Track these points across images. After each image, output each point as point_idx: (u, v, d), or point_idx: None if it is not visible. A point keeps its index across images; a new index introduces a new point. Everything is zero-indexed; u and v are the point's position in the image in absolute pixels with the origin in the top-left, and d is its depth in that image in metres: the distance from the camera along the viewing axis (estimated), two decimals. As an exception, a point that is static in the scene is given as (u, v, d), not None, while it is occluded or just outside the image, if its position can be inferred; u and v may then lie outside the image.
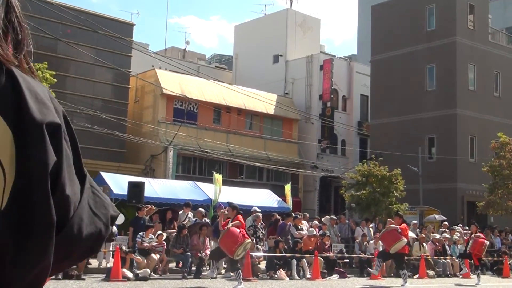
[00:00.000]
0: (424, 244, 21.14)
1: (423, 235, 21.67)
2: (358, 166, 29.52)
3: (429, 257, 20.64)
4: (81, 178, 1.09)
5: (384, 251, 16.57)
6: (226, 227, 13.00)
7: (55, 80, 20.80)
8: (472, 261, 18.18)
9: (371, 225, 23.29)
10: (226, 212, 14.95)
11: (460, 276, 19.25)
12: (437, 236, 22.12)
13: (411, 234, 21.89)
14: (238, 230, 12.83)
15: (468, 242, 18.20)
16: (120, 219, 16.95)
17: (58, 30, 28.41)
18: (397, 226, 15.65)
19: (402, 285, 15.51)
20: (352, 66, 43.23)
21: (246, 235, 13.18)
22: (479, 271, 17.96)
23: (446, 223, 24.58)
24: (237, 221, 13.12)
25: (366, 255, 19.99)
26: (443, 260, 20.95)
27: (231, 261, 13.33)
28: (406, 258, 16.99)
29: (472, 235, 18.18)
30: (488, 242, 18.72)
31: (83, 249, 1.07)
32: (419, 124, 35.44)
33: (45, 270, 0.98)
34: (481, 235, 18.42)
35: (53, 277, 13.60)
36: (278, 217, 20.21)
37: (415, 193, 31.12)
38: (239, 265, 13.86)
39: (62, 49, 29.45)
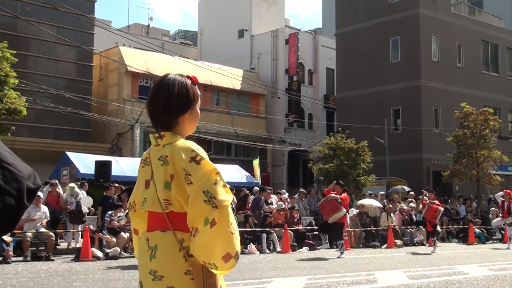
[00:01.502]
0: (392, 214, 21.49)
1: (390, 206, 22.02)
2: (325, 139, 29.70)
3: (396, 227, 20.99)
4: None
5: (323, 223, 16.30)
6: None
7: (16, 59, 20.33)
8: (426, 228, 18.47)
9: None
10: None
11: (427, 245, 19.62)
12: (404, 206, 22.50)
13: (378, 204, 22.26)
14: None
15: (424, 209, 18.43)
16: (88, 202, 16.84)
17: (17, 7, 27.72)
18: (337, 196, 15.35)
19: (338, 257, 15.05)
20: (317, 39, 43.22)
21: None
22: (434, 238, 18.12)
23: (412, 193, 24.99)
24: None
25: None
26: (410, 230, 21.34)
27: None
28: (375, 229, 17.12)
29: (428, 201, 18.43)
30: (442, 209, 18.82)
31: None
32: (384, 96, 35.74)
33: None
34: (436, 201, 18.63)
35: (21, 258, 13.45)
36: (247, 191, 20.27)
37: (382, 164, 31.51)
38: None
39: (22, 28, 28.76)
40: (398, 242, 20.07)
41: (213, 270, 2.40)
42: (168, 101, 2.51)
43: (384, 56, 36.49)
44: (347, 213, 16.81)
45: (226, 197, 2.37)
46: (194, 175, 2.37)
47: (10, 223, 1.03)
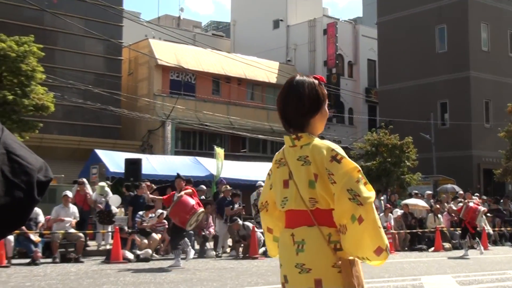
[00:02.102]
0: (439, 216, 21.18)
1: (438, 206, 21.70)
2: (367, 135, 29.47)
3: (444, 228, 20.68)
4: None
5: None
6: (178, 195, 12.67)
7: (43, 53, 20.67)
8: (466, 230, 18.06)
9: (382, 197, 23.33)
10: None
11: (478, 249, 19.28)
12: (453, 206, 22.15)
13: (424, 204, 21.94)
14: (192, 199, 12.61)
15: (462, 210, 18.07)
16: (117, 201, 17.02)
17: (43, 0, 28.17)
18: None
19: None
20: (357, 29, 42.91)
21: (200, 204, 13.07)
22: (476, 239, 17.77)
23: (461, 192, 24.60)
24: (188, 190, 12.86)
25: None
26: (460, 232, 20.97)
27: (176, 235, 13.12)
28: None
29: (466, 201, 18.06)
30: (482, 209, 18.39)
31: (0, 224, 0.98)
32: (430, 89, 35.27)
33: None
34: (474, 201, 18.24)
35: (50, 260, 13.68)
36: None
37: (428, 162, 31.12)
38: (187, 241, 13.65)
39: (48, 21, 29.23)
40: (447, 245, 19.77)
41: (367, 262, 2.65)
42: (300, 103, 2.73)
43: (430, 46, 36.00)
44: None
45: (370, 194, 2.59)
46: (337, 174, 2.60)
47: (20, 218, 1.02)
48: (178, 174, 14.34)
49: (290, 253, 2.70)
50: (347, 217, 2.56)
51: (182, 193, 12.65)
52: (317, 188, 2.65)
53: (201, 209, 12.84)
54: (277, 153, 2.91)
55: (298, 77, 2.81)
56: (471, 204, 17.58)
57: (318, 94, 2.78)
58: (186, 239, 13.49)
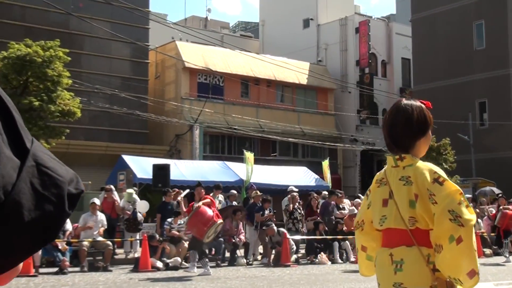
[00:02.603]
0: (479, 220, 20.88)
1: (477, 210, 21.38)
2: (402, 137, 29.22)
3: (485, 234, 20.37)
4: (21, 155, 1.00)
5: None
6: (196, 205, 12.66)
7: (69, 58, 20.93)
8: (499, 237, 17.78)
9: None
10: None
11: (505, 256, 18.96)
12: (494, 210, 21.81)
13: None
14: (210, 210, 12.57)
15: (496, 216, 17.80)
16: (144, 207, 17.14)
17: (69, 4, 28.57)
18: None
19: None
20: (390, 27, 42.60)
21: (219, 215, 13.02)
22: (507, 240, 17.50)
23: (500, 193, 24.21)
24: (207, 199, 12.86)
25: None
26: (501, 237, 20.65)
27: (196, 244, 13.04)
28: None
29: (500, 207, 17.77)
30: None
31: (31, 239, 0.99)
32: (468, 88, 34.85)
33: None
34: (510, 207, 17.95)
35: (78, 269, 13.83)
36: (315, 195, 20.09)
37: (466, 164, 30.73)
38: (206, 250, 13.61)
39: (74, 25, 29.62)
40: (487, 251, 19.46)
41: (458, 286, 2.80)
42: (408, 125, 2.98)
43: (467, 43, 35.59)
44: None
45: (471, 216, 2.76)
46: (438, 195, 2.79)
47: (51, 233, 1.03)
48: (199, 182, 14.43)
49: (388, 272, 2.90)
50: (446, 237, 2.72)
51: (200, 203, 12.66)
52: (417, 208, 2.84)
53: (220, 221, 12.83)
54: (378, 173, 3.15)
55: (405, 100, 3.07)
56: (507, 210, 17.33)
57: (426, 117, 3.04)
58: (194, 251, 13.37)
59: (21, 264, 0.99)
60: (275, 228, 16.43)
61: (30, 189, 0.97)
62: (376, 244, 3.08)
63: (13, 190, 0.94)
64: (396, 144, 2.99)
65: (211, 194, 18.54)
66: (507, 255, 17.01)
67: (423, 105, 3.06)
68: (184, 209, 14.05)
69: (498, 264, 16.40)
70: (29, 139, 1.03)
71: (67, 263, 13.68)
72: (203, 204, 12.64)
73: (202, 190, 13.50)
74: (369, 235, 3.14)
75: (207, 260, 13.26)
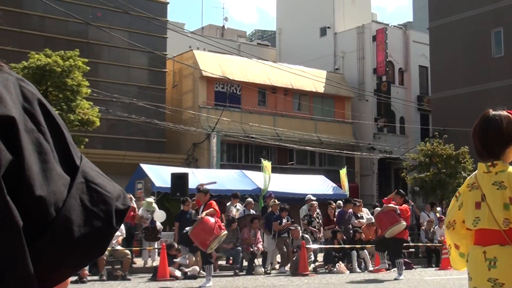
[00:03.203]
0: None
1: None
2: (420, 145, 29.11)
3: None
4: (71, 172, 1.03)
5: (381, 239, 15.44)
6: (199, 216, 12.55)
7: (88, 68, 21.10)
8: None
9: (437, 209, 23.02)
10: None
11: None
12: None
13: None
14: (213, 220, 12.39)
15: None
16: (161, 217, 17.18)
17: (88, 14, 28.82)
18: (396, 207, 14.65)
19: (396, 278, 14.29)
20: (408, 34, 42.49)
21: (222, 226, 12.94)
22: None
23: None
24: (211, 209, 12.67)
25: (433, 244, 19.72)
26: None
27: (204, 254, 12.99)
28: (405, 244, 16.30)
29: None
30: None
31: (80, 254, 1.02)
32: (487, 96, 34.60)
33: (26, 284, 0.93)
34: None
35: (97, 277, 13.91)
36: (334, 204, 20.06)
37: (485, 172, 30.49)
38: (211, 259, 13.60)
39: (93, 34, 29.88)
40: None
41: None
42: (499, 134, 3.30)
43: (485, 50, 35.38)
44: (407, 227, 15.90)
45: None
46: None
47: (99, 248, 1.05)
48: (197, 187, 14.41)
49: (482, 269, 3.19)
50: None
51: (203, 214, 12.56)
52: (511, 210, 3.15)
53: (224, 232, 12.72)
54: (468, 177, 3.49)
55: (492, 112, 3.44)
56: None
57: None
58: (210, 266, 13.26)
59: (69, 279, 1.02)
60: (299, 229, 16.51)
61: (79, 206, 1.00)
62: (467, 242, 3.38)
63: (64, 206, 0.97)
64: (488, 152, 3.31)
65: (228, 203, 18.67)
66: None
67: (510, 115, 3.39)
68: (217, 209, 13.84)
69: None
70: (78, 156, 1.06)
71: (86, 271, 13.75)
72: (207, 214, 12.53)
73: (207, 196, 13.39)
74: (459, 234, 3.43)
75: (211, 267, 13.20)
